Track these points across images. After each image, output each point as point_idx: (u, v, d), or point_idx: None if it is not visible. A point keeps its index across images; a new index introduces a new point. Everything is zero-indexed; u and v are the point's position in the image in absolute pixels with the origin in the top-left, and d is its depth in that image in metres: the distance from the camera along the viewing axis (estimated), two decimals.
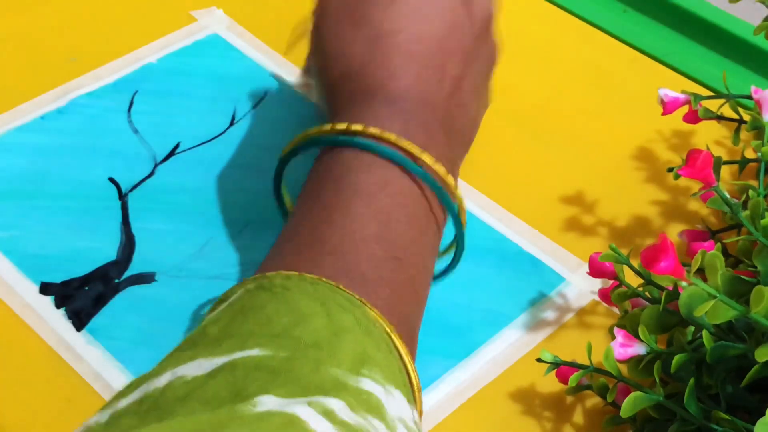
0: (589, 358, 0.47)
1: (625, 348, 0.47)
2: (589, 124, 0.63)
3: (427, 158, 0.47)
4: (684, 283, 0.46)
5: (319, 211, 0.46)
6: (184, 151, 0.60)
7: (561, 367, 0.48)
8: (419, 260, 0.47)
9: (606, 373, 0.47)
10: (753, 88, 0.57)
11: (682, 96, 0.58)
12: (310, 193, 0.48)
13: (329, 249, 0.44)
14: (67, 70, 0.64)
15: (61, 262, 0.54)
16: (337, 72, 0.51)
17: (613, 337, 0.47)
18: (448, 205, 0.48)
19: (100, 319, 0.52)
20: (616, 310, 0.53)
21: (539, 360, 0.48)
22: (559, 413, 0.50)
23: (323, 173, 0.48)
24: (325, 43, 0.52)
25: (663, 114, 0.58)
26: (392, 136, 0.47)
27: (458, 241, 0.50)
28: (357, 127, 0.47)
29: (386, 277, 0.44)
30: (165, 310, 0.52)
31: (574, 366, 0.47)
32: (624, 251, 0.50)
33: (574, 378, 0.47)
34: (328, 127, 0.48)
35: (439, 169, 0.47)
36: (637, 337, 0.47)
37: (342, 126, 0.48)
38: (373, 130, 0.47)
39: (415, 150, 0.47)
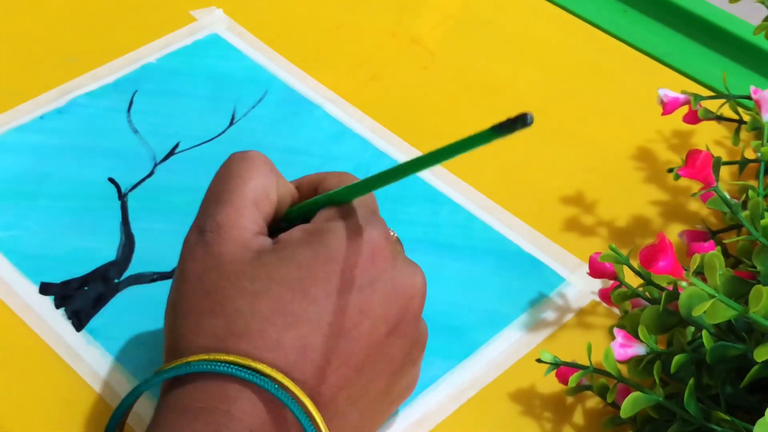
0: (589, 359, 0.47)
1: (625, 348, 0.47)
2: (589, 124, 0.63)
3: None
4: (684, 284, 0.46)
5: None
6: (184, 150, 0.60)
7: (561, 368, 0.48)
8: None
9: (606, 373, 0.47)
10: (753, 88, 0.57)
11: (682, 96, 0.58)
12: None
13: None
14: (67, 70, 0.64)
15: (60, 262, 0.54)
16: (165, 358, 0.43)
17: (613, 338, 0.47)
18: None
19: (100, 319, 0.52)
20: (616, 310, 0.53)
21: (539, 360, 0.48)
22: (559, 413, 0.50)
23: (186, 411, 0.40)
24: (168, 314, 0.43)
25: (663, 114, 0.58)
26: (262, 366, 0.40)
27: None
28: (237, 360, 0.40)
29: None
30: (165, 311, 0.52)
31: (574, 366, 0.47)
32: (624, 251, 0.50)
33: (573, 378, 0.47)
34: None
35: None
36: (637, 337, 0.47)
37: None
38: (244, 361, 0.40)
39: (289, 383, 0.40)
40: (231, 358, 0.40)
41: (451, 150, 0.39)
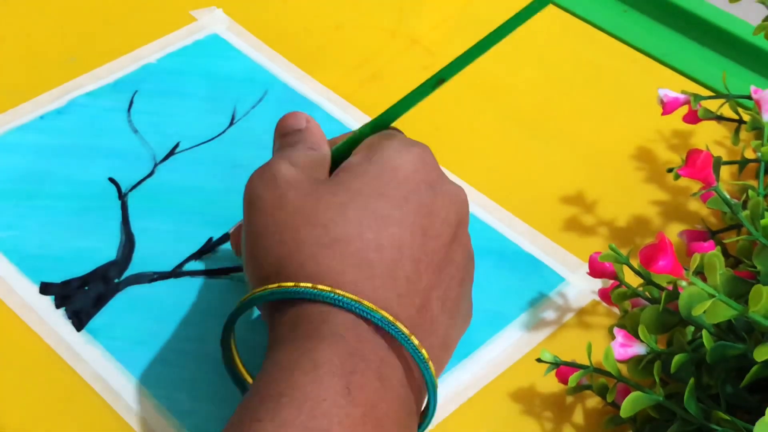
0: (589, 358, 0.47)
1: (625, 348, 0.47)
2: (589, 124, 0.63)
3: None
4: (684, 283, 0.46)
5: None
6: (184, 150, 0.60)
7: (561, 367, 0.48)
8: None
9: (606, 373, 0.47)
10: (753, 88, 0.57)
11: (682, 96, 0.58)
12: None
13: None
14: (67, 70, 0.64)
15: (61, 262, 0.54)
16: (276, 279, 0.43)
17: (613, 337, 0.47)
18: (428, 379, 0.43)
19: (100, 319, 0.52)
20: (616, 310, 0.53)
21: (539, 360, 0.48)
22: (559, 413, 0.50)
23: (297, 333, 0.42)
24: (265, 244, 0.44)
25: (663, 114, 0.58)
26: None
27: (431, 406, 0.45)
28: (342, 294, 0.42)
29: None
30: (165, 310, 0.52)
31: (574, 366, 0.47)
32: (624, 251, 0.50)
33: (573, 378, 0.47)
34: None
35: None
36: (637, 337, 0.47)
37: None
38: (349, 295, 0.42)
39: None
40: (350, 296, 0.42)
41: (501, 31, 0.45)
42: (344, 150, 0.47)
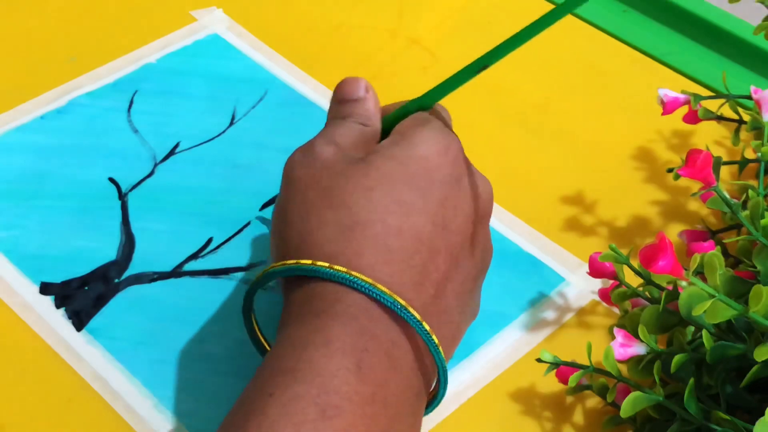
0: (589, 359, 0.47)
1: (625, 348, 0.47)
2: (589, 124, 0.63)
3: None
4: (684, 283, 0.46)
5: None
6: (184, 150, 0.60)
7: (561, 367, 0.48)
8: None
9: (606, 373, 0.47)
10: (753, 88, 0.57)
11: (682, 96, 0.58)
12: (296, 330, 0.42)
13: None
14: (67, 70, 0.64)
15: (61, 262, 0.54)
16: (295, 256, 0.44)
17: (613, 337, 0.47)
18: (439, 363, 0.44)
19: (100, 319, 0.52)
20: (616, 310, 0.53)
21: (539, 360, 0.48)
22: (559, 413, 0.50)
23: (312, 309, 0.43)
24: (290, 219, 0.45)
25: (663, 114, 0.58)
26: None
27: (441, 388, 0.45)
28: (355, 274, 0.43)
29: None
30: (165, 310, 0.52)
31: (574, 366, 0.47)
32: (624, 251, 0.50)
33: (573, 378, 0.47)
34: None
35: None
36: (637, 337, 0.47)
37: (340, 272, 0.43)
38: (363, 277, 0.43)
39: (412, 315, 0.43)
40: (365, 278, 0.42)
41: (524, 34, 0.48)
42: (389, 125, 0.48)
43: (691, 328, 0.47)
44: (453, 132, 0.48)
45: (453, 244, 0.45)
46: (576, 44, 0.68)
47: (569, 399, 0.50)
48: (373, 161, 0.45)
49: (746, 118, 0.59)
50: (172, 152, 0.60)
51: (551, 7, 0.71)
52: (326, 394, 0.39)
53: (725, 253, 0.53)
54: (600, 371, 0.47)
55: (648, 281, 0.49)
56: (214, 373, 0.50)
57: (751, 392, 0.46)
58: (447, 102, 0.64)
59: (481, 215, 0.47)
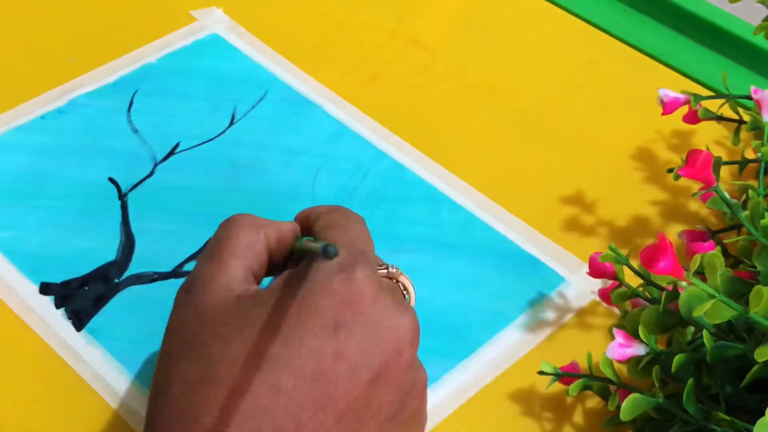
0: (589, 366, 0.47)
1: (624, 348, 0.47)
2: (589, 124, 0.63)
3: None
4: (684, 283, 0.46)
5: None
6: (184, 150, 0.60)
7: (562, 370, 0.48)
8: None
9: (606, 380, 0.47)
10: (753, 88, 0.57)
11: (682, 96, 0.58)
12: None
13: None
14: (67, 70, 0.64)
15: (61, 262, 0.54)
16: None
17: (613, 337, 0.47)
18: None
19: (100, 319, 0.52)
20: (616, 310, 0.53)
21: (541, 373, 0.48)
22: (559, 414, 0.50)
23: None
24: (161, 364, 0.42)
25: (663, 114, 0.58)
26: None
27: None
28: None
29: None
30: (165, 310, 0.52)
31: (575, 376, 0.47)
32: (624, 251, 0.50)
33: (574, 387, 0.47)
34: None
35: None
36: (637, 337, 0.47)
37: None
38: None
39: None
40: None
41: None
42: (297, 254, 0.45)
43: (691, 329, 0.47)
44: (365, 259, 0.42)
45: (330, 397, 0.40)
46: (576, 44, 0.68)
47: (569, 399, 0.50)
48: (243, 306, 0.41)
49: (746, 118, 0.58)
50: (172, 152, 0.60)
51: (552, 7, 0.71)
52: None
53: (725, 253, 0.53)
54: (600, 379, 0.47)
55: (648, 281, 0.49)
56: None
57: (751, 392, 0.46)
58: (447, 101, 0.64)
59: (385, 359, 0.41)
